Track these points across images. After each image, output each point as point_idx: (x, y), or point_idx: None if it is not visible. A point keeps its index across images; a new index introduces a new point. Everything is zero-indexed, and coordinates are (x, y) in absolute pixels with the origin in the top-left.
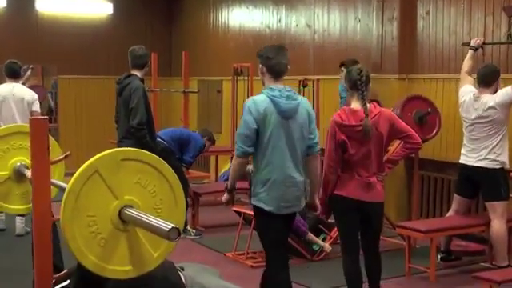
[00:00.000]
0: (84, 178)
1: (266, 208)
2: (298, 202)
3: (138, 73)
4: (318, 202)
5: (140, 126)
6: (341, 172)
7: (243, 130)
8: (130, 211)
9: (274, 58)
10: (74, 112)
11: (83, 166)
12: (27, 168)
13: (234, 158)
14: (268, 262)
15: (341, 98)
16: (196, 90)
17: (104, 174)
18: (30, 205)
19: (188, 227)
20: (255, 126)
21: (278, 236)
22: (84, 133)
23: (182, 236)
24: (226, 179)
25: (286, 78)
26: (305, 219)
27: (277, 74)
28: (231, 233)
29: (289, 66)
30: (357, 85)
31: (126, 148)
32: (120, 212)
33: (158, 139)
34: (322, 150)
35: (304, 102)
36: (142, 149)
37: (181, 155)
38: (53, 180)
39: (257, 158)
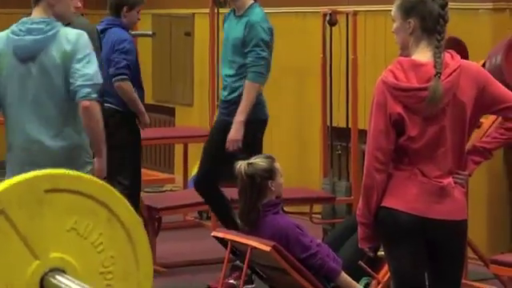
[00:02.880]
0: None
1: None
2: None
3: None
4: (103, 165)
5: None
6: (393, 169)
7: None
8: (58, 279)
9: None
10: None
11: None
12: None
13: None
14: None
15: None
16: (150, 33)
17: (15, 218)
18: None
19: None
20: None
21: None
22: None
23: None
24: None
25: (303, 11)
26: (336, 251)
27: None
28: (210, 274)
29: None
30: (437, 24)
31: (53, 171)
32: (42, 280)
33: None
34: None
35: (68, 35)
36: None
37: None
38: None
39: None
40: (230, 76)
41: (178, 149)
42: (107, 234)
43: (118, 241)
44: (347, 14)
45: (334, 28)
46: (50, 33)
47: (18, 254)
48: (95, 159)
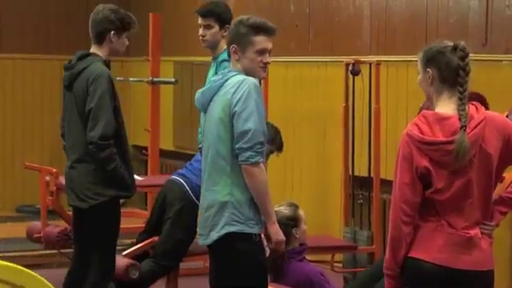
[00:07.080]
0: None
1: None
2: None
3: (99, 51)
4: None
5: (104, 141)
6: (420, 221)
7: None
8: None
9: None
10: None
11: None
12: None
13: None
14: None
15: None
16: (172, 80)
17: None
18: None
19: None
20: None
21: None
22: None
23: None
24: None
25: (326, 60)
26: None
27: None
28: None
29: None
30: (458, 75)
31: None
32: None
33: (184, 179)
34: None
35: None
36: (110, 182)
37: None
38: None
39: None
40: None
41: None
42: None
43: None
44: (370, 64)
45: (356, 77)
46: None
47: None
48: None
